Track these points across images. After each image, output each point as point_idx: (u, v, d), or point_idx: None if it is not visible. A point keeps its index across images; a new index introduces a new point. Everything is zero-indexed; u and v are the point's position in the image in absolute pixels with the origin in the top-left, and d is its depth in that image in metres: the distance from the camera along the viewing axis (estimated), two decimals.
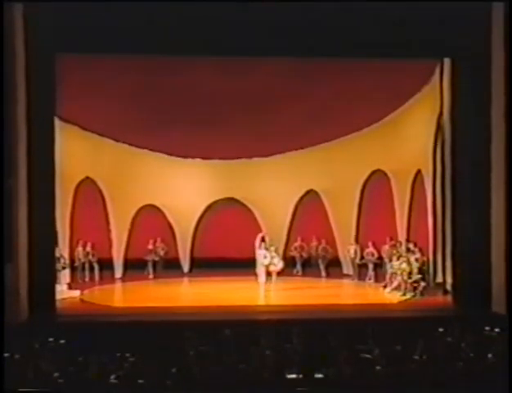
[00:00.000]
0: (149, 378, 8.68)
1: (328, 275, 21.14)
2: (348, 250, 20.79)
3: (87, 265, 20.39)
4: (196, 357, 9.41)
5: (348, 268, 21.10)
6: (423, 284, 16.91)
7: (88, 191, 20.56)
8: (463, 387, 8.71)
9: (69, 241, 19.97)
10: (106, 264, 20.86)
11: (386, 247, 19.43)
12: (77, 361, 9.24)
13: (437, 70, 16.44)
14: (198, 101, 17.99)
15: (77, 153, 19.00)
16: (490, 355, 9.53)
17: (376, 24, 14.34)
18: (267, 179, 21.84)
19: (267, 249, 18.71)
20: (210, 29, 14.23)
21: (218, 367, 9.01)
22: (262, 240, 19.05)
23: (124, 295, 19.74)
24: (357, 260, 20.24)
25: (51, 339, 10.51)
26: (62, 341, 10.48)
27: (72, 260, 19.84)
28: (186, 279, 21.39)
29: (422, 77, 17.47)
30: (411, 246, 18.18)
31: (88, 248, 20.45)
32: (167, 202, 21.93)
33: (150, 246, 21.43)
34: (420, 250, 17.76)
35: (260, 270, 18.47)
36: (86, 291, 18.01)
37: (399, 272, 17.25)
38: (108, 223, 21.19)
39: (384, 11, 14.19)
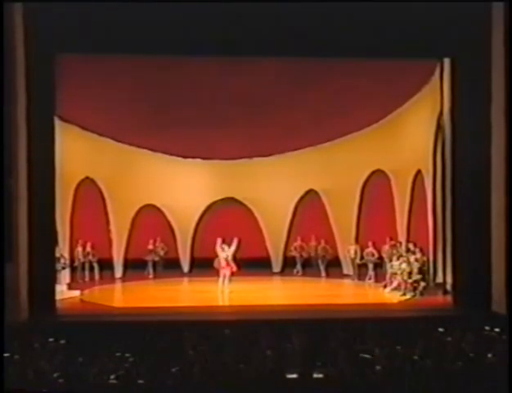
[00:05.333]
0: (149, 378, 8.68)
1: (328, 275, 21.16)
2: (348, 250, 20.80)
3: (87, 265, 20.44)
4: (196, 357, 9.40)
5: (348, 268, 21.11)
6: (423, 284, 16.91)
7: (88, 191, 20.58)
8: (463, 387, 8.70)
9: (69, 241, 20.00)
10: (106, 264, 20.90)
11: (386, 247, 19.44)
12: (77, 361, 9.23)
13: (437, 70, 16.44)
14: (198, 101, 17.98)
15: (77, 153, 19.01)
16: (490, 355, 9.52)
17: (376, 25, 14.34)
18: (267, 179, 21.86)
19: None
20: (210, 29, 14.23)
21: (218, 367, 9.00)
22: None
23: (124, 295, 19.73)
24: (357, 260, 20.25)
25: (51, 339, 10.50)
26: (62, 341, 10.47)
27: (72, 260, 19.86)
28: (186, 279, 21.39)
29: (422, 77, 17.47)
30: (411, 246, 18.18)
31: (88, 248, 20.49)
32: (167, 202, 21.95)
33: (150, 246, 21.45)
34: (420, 250, 17.76)
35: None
36: (86, 291, 18.02)
37: (399, 272, 17.26)
38: (108, 223, 21.22)
39: (384, 11, 14.20)
